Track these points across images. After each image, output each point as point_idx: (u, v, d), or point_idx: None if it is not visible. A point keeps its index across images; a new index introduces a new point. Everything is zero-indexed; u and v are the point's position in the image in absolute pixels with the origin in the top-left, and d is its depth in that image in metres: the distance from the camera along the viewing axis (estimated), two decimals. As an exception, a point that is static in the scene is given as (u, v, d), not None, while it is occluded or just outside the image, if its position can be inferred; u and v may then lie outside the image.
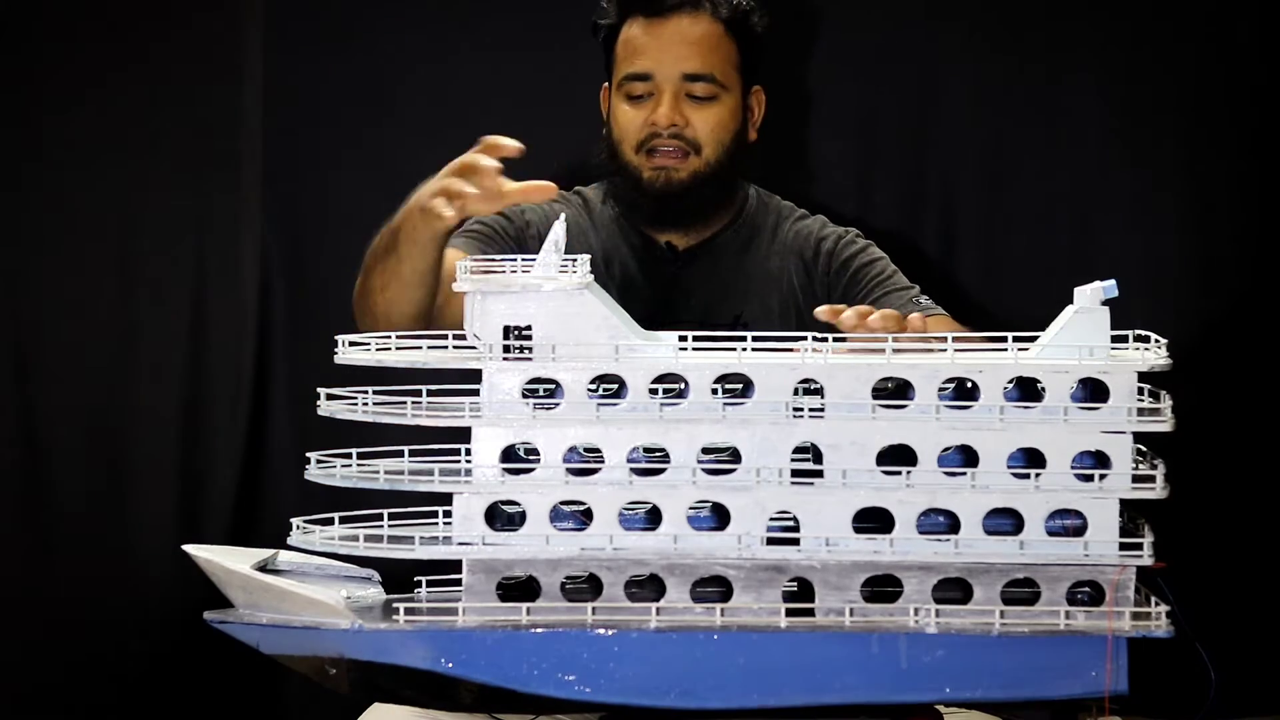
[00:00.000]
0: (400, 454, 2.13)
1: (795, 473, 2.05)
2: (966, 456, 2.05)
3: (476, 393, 2.06)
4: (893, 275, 2.86)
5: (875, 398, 2.04)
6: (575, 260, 2.07)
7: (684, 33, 2.78)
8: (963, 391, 2.05)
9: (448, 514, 2.08)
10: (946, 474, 2.04)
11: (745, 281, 2.88)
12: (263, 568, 2.15)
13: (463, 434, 2.08)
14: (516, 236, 2.81)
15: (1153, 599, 2.05)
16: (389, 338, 2.12)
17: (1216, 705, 2.11)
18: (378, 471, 2.11)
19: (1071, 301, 2.07)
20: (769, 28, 2.86)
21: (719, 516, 2.06)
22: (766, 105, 2.90)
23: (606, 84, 2.89)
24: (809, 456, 2.05)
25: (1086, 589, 2.06)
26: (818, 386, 2.04)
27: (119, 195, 3.49)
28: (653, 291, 2.83)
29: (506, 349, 2.05)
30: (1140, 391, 2.03)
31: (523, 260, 2.06)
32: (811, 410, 2.04)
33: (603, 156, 2.86)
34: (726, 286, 2.86)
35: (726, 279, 2.87)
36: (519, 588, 2.08)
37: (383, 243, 2.54)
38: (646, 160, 2.79)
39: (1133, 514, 2.08)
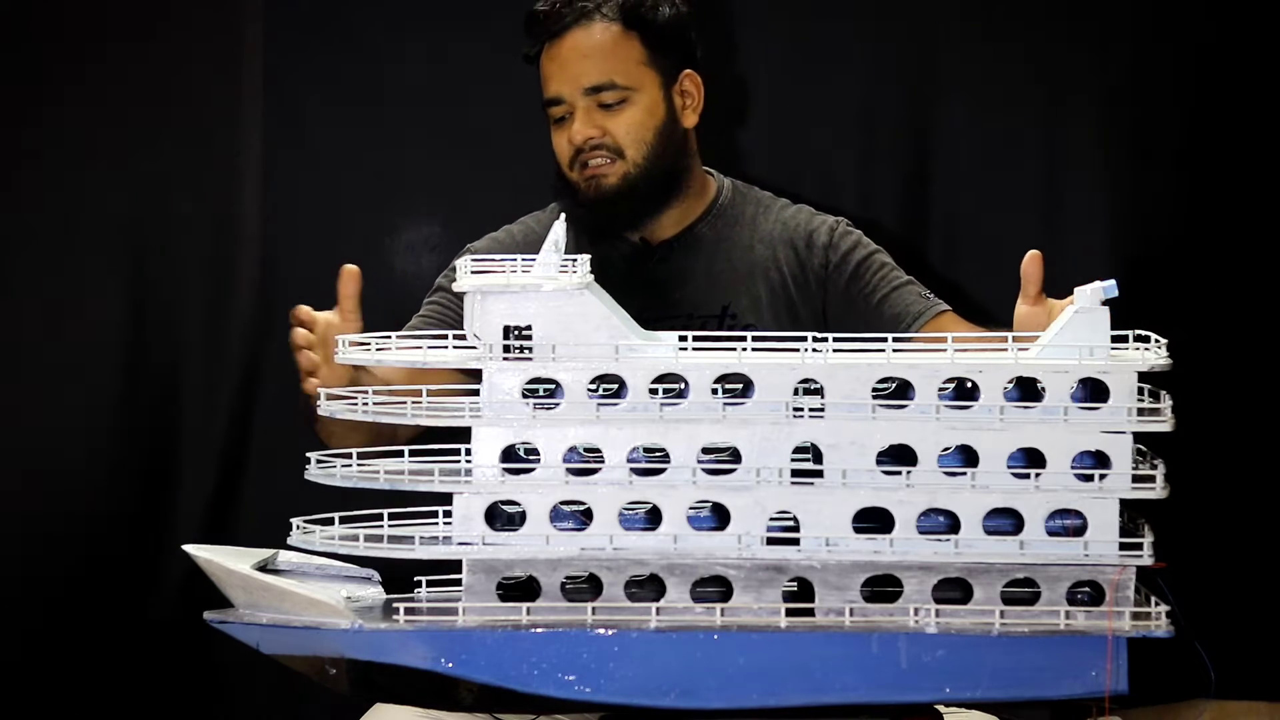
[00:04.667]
0: (400, 454, 2.13)
1: (795, 473, 2.05)
2: (966, 456, 2.05)
3: (476, 393, 2.07)
4: (893, 270, 2.87)
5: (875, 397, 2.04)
6: (575, 260, 2.07)
7: (578, 47, 2.78)
8: (963, 391, 2.06)
9: (448, 514, 2.08)
10: (946, 474, 2.04)
11: (730, 273, 2.87)
12: (263, 568, 2.15)
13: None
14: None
15: (1153, 599, 2.05)
16: (389, 337, 2.12)
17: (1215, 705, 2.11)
18: (378, 471, 2.11)
19: (1071, 301, 2.07)
20: (674, 14, 2.84)
21: (719, 516, 2.06)
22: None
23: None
24: (809, 456, 2.05)
25: (1086, 589, 2.06)
26: (818, 386, 2.05)
27: (118, 195, 3.49)
28: (634, 290, 2.81)
29: (506, 349, 2.05)
30: (1140, 391, 2.03)
31: (523, 260, 2.06)
32: (811, 410, 2.04)
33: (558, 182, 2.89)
34: (710, 278, 2.86)
35: (710, 271, 2.87)
36: (519, 588, 2.08)
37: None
38: (580, 174, 2.81)
39: (1133, 514, 2.08)
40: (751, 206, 2.93)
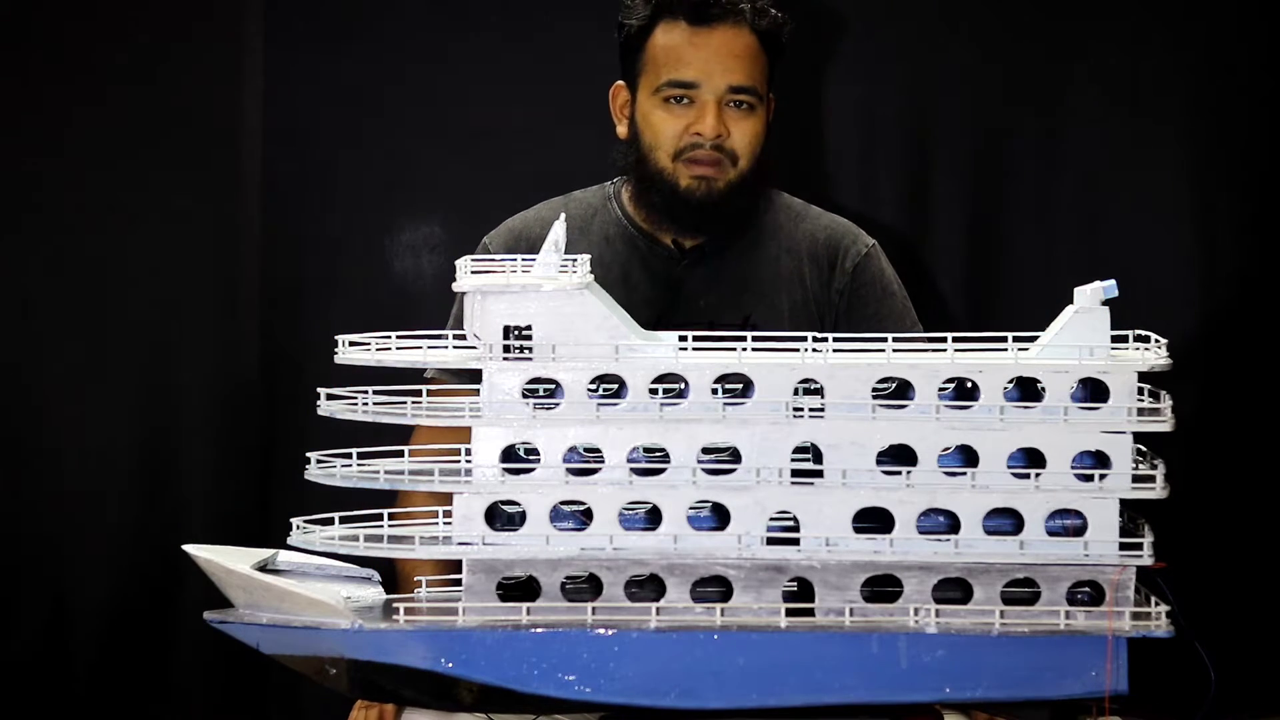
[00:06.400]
0: (400, 454, 2.13)
1: (795, 473, 2.05)
2: (966, 456, 2.05)
3: (477, 393, 2.07)
4: (899, 320, 2.81)
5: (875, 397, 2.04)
6: (575, 260, 2.07)
7: (730, 44, 2.74)
8: (963, 391, 2.06)
9: (448, 514, 2.08)
10: (946, 474, 2.04)
11: (756, 283, 2.83)
12: (263, 568, 2.15)
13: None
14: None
15: (1153, 599, 2.05)
16: (389, 338, 2.12)
17: (1216, 705, 2.11)
18: (378, 471, 2.11)
19: (1071, 301, 2.07)
20: (790, 38, 2.83)
21: (719, 516, 2.06)
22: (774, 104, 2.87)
23: (621, 82, 2.83)
24: (809, 456, 2.05)
25: (1086, 589, 2.06)
26: (818, 386, 2.04)
27: (119, 195, 3.49)
28: (658, 294, 2.80)
29: (507, 349, 2.05)
30: (1140, 391, 2.03)
31: (523, 260, 2.06)
32: (811, 410, 2.04)
33: (628, 160, 2.81)
34: (734, 287, 2.82)
35: (734, 280, 2.83)
36: (519, 588, 2.08)
37: None
38: (684, 168, 2.74)
39: (1133, 514, 2.08)
40: (782, 214, 2.88)
